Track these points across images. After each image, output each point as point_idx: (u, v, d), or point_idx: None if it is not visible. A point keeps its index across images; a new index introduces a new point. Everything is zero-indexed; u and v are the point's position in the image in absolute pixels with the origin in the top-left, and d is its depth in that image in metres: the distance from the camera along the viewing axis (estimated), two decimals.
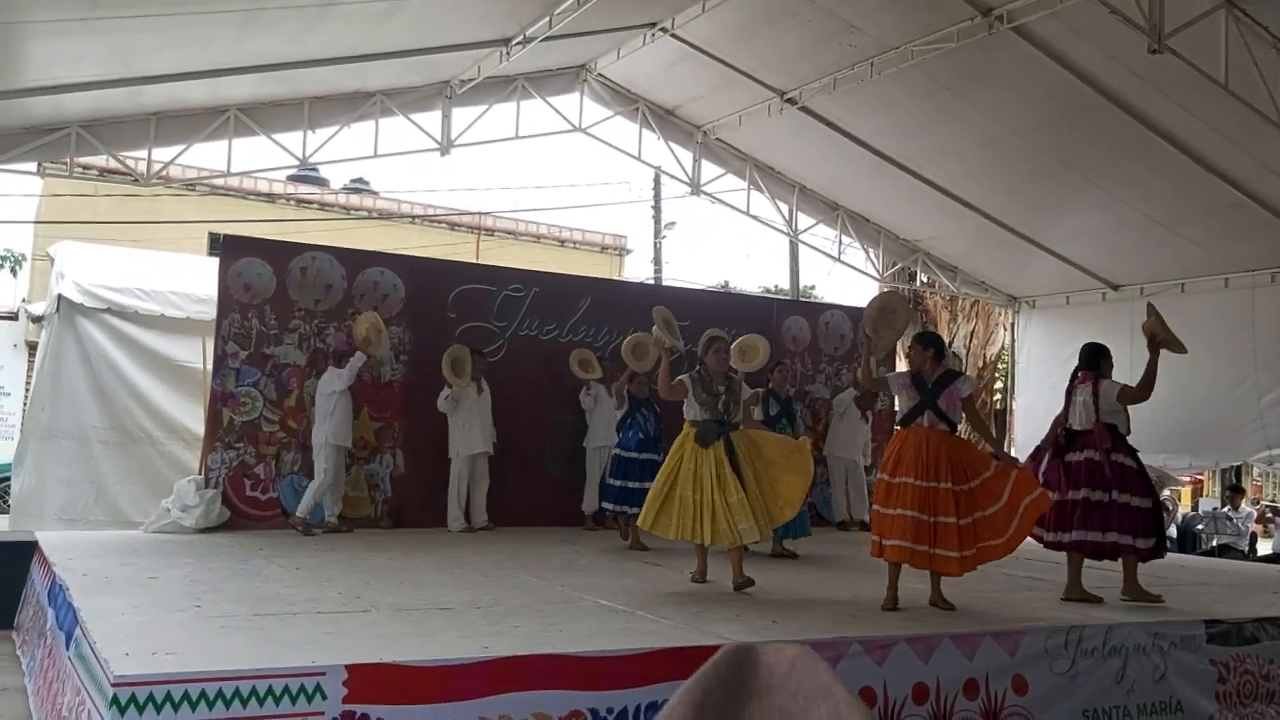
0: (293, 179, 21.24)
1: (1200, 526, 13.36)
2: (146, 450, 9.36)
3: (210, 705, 3.46)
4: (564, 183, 53.85)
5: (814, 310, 12.44)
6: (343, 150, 10.58)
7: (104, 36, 7.77)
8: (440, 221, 23.06)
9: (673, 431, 6.51)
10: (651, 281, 21.72)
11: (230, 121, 9.70)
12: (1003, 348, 15.28)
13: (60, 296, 9.31)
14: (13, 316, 15.86)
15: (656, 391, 7.67)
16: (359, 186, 23.66)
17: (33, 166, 10.01)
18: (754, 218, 12.56)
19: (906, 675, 4.64)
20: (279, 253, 9.32)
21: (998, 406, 15.96)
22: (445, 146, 10.62)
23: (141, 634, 4.16)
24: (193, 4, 7.51)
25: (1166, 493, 12.93)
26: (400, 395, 9.52)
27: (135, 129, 9.53)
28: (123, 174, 10.90)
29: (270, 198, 21.34)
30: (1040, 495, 5.71)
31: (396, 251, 11.49)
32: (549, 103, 11.13)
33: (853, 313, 11.63)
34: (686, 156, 11.99)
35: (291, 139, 10.08)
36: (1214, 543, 12.51)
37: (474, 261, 18.42)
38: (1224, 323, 10.99)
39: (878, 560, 5.80)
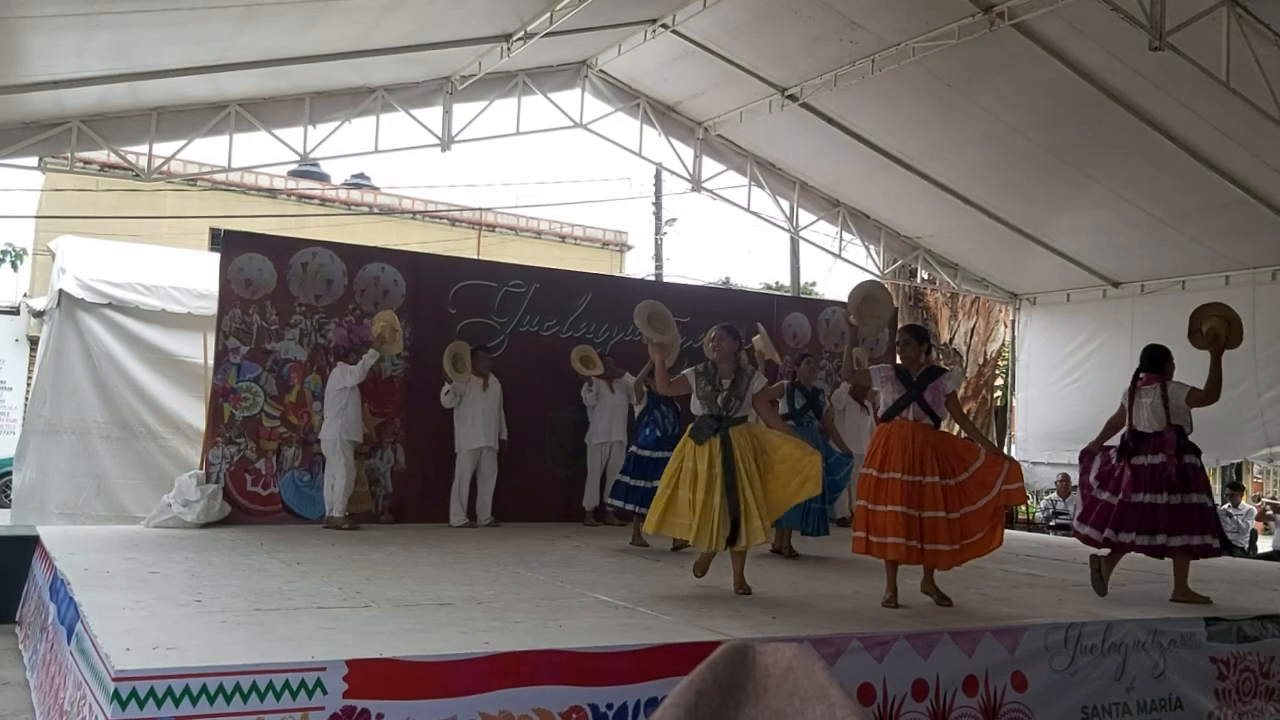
0: (293, 174, 21.24)
1: None
2: (148, 445, 9.36)
3: (211, 700, 3.47)
4: (565, 179, 53.76)
5: (814, 307, 12.44)
6: (344, 146, 10.65)
7: (105, 31, 7.77)
8: (441, 217, 23.06)
9: None
10: (652, 278, 21.72)
11: (231, 117, 9.71)
12: (1003, 345, 15.28)
13: (61, 291, 9.31)
14: (14, 311, 15.85)
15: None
16: (360, 182, 23.66)
17: (34, 161, 10.01)
18: (755, 214, 12.57)
19: (906, 672, 4.65)
20: (280, 248, 9.32)
21: (998, 403, 15.96)
22: (446, 142, 10.62)
23: (142, 629, 4.17)
24: None
25: None
26: (401, 391, 9.52)
27: (136, 124, 9.53)
28: (124, 169, 10.93)
29: (271, 193, 21.36)
30: (1019, 489, 5.67)
31: (397, 247, 11.50)
32: (550, 98, 11.13)
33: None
34: (687, 153, 11.99)
35: (292, 134, 10.09)
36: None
37: (475, 257, 18.43)
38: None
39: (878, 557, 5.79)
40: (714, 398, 5.82)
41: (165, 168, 10.40)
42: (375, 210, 22.42)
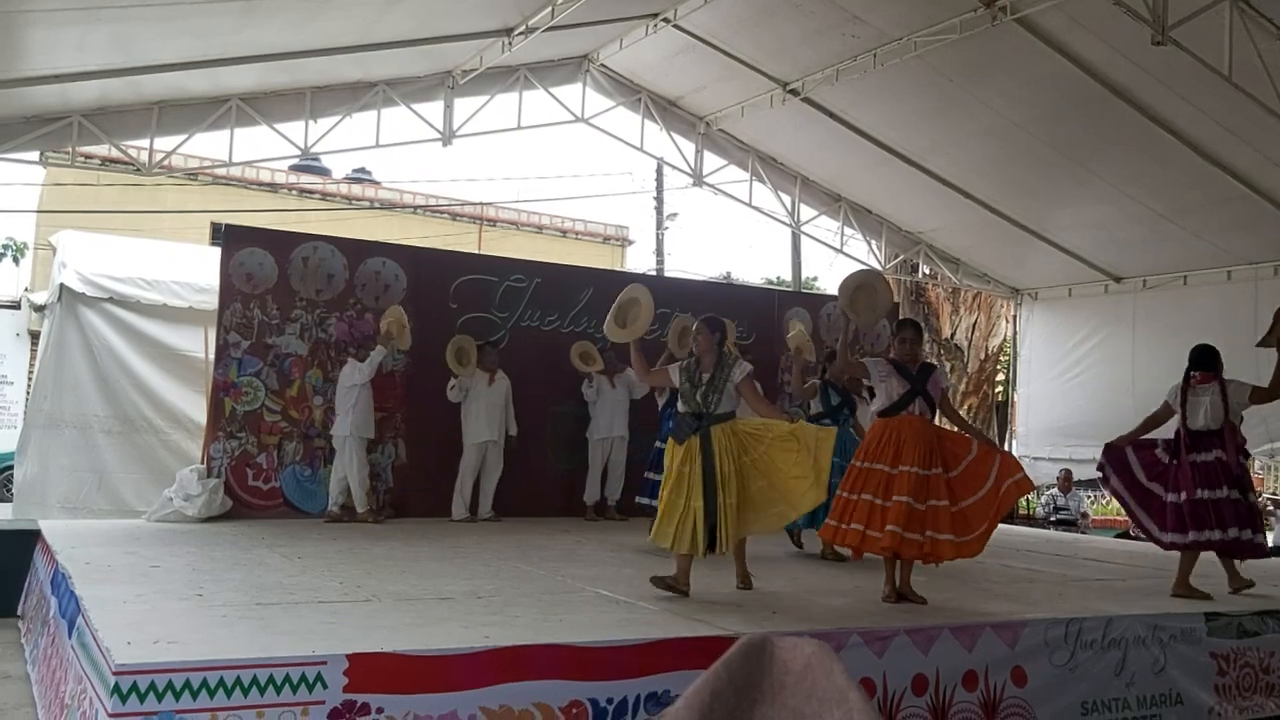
0: (295, 169, 21.24)
1: None
2: (149, 439, 9.37)
3: (211, 694, 3.47)
4: (566, 173, 53.81)
5: (816, 302, 12.41)
6: (345, 140, 10.59)
7: (106, 26, 7.76)
8: (442, 212, 23.05)
9: None
10: (653, 273, 21.71)
11: (232, 111, 9.70)
12: (1005, 340, 15.27)
13: (62, 286, 9.31)
14: (15, 305, 15.86)
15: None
16: (361, 176, 23.66)
17: (35, 155, 10.03)
18: (756, 209, 12.56)
19: (906, 666, 4.65)
20: (281, 243, 9.32)
21: (1000, 399, 15.96)
22: (447, 137, 10.62)
23: (143, 623, 4.18)
24: None
25: None
26: (402, 385, 9.52)
27: (137, 118, 9.54)
28: (125, 163, 10.90)
29: (272, 187, 21.35)
30: (1022, 479, 5.59)
31: (398, 242, 11.50)
32: (551, 93, 11.12)
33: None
34: (689, 147, 11.98)
35: (293, 129, 10.09)
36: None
37: (476, 252, 18.41)
38: (1226, 315, 10.96)
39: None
40: (693, 394, 5.54)
41: (166, 162, 10.41)
42: (376, 205, 22.42)
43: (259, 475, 8.94)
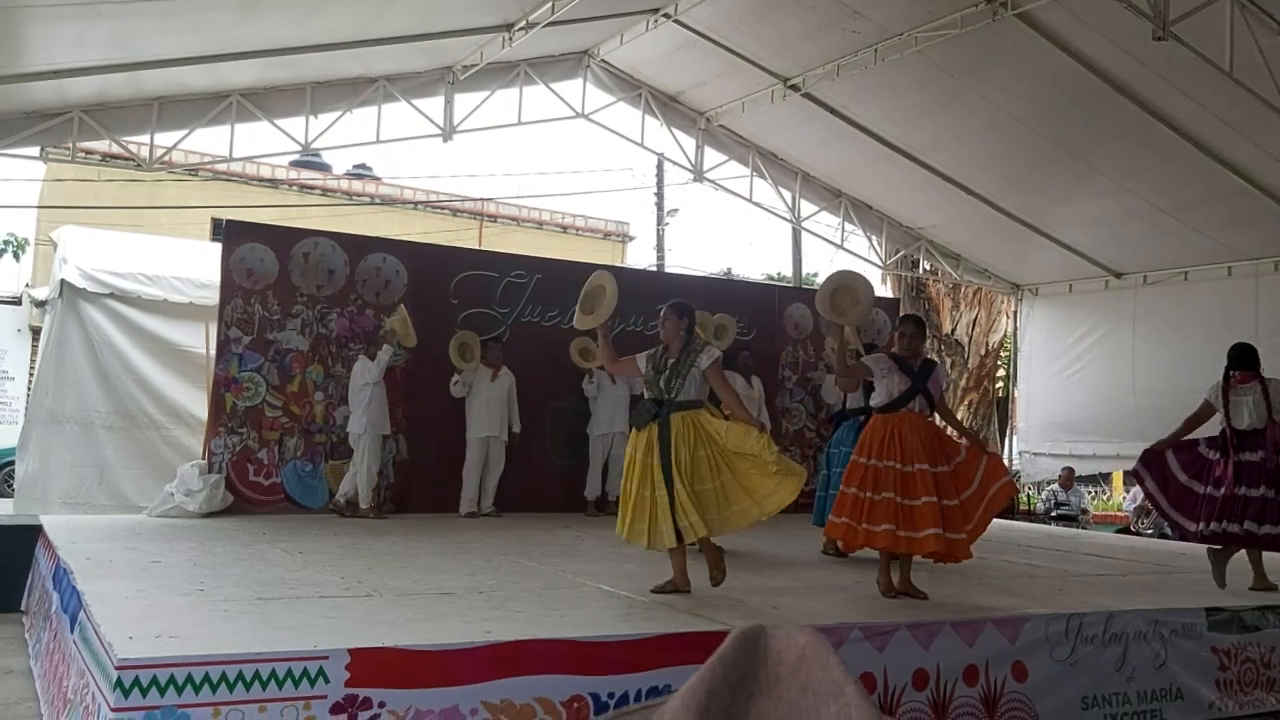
0: (295, 164, 21.22)
1: None
2: (150, 435, 9.38)
3: (214, 688, 3.47)
4: (567, 169, 53.80)
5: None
6: (345, 136, 10.58)
7: (106, 21, 7.76)
8: (443, 207, 23.03)
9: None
10: (654, 268, 21.70)
11: (232, 107, 9.70)
12: (1005, 336, 15.25)
13: (63, 281, 9.32)
14: (16, 301, 15.87)
15: (730, 374, 7.41)
16: (361, 172, 23.65)
17: (35, 151, 10.00)
18: (757, 205, 12.55)
19: (907, 661, 4.65)
20: (282, 238, 9.32)
21: (1000, 394, 15.96)
22: (448, 132, 10.61)
23: (145, 617, 4.18)
24: None
25: None
26: (403, 381, 9.53)
27: (137, 114, 9.53)
28: (125, 159, 10.89)
29: (273, 183, 21.34)
30: (1008, 482, 5.60)
31: (399, 237, 11.50)
32: (552, 89, 11.11)
33: None
34: (689, 143, 11.97)
35: (294, 124, 10.08)
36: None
37: (476, 248, 18.41)
38: (1227, 311, 10.97)
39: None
40: (656, 380, 5.33)
41: (167, 158, 10.40)
42: (377, 200, 22.40)
43: (260, 471, 8.95)
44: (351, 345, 9.22)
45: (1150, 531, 12.33)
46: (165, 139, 9.89)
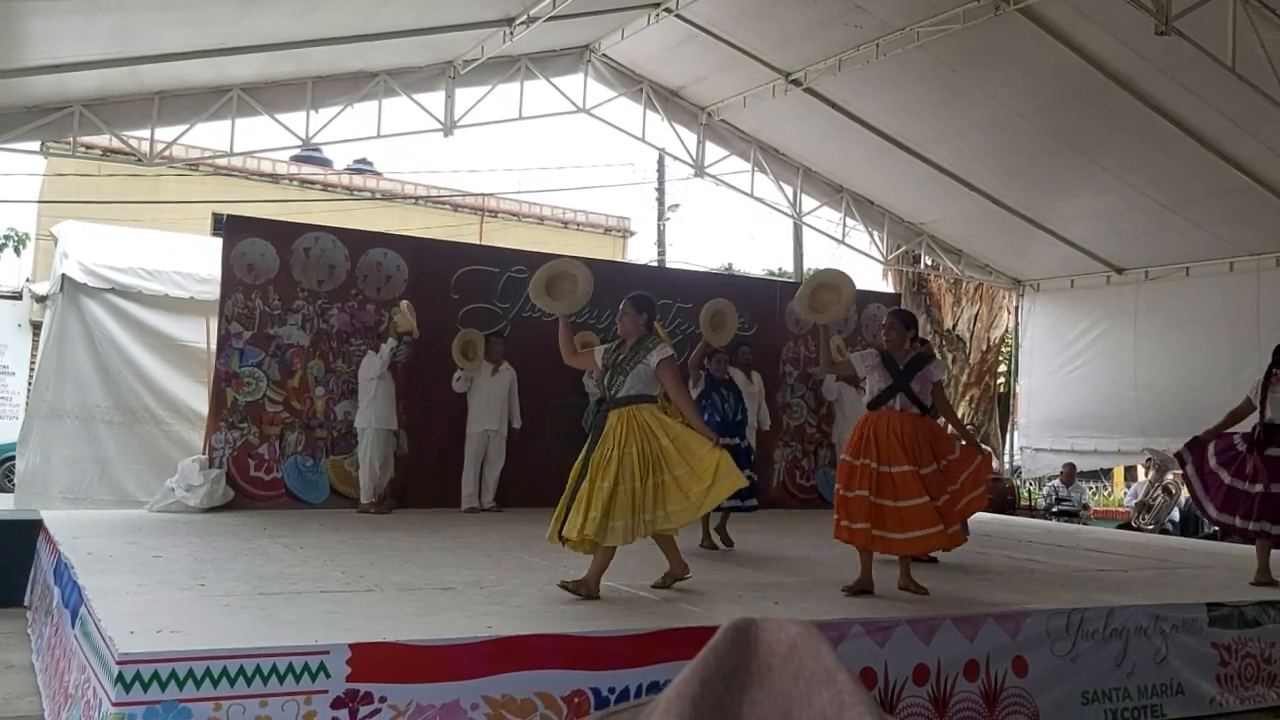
0: (296, 159, 21.21)
1: None
2: (151, 430, 9.38)
3: (215, 683, 3.48)
4: (567, 164, 53.61)
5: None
6: (346, 130, 10.58)
7: (107, 15, 7.75)
8: (444, 202, 23.03)
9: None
10: (655, 264, 21.69)
11: (233, 101, 9.69)
12: (1006, 331, 15.26)
13: (64, 276, 9.32)
14: (16, 296, 15.87)
15: (728, 371, 7.26)
16: (362, 167, 23.64)
17: (36, 146, 10.00)
18: (758, 200, 12.55)
19: (907, 656, 4.66)
20: (282, 233, 9.31)
21: (1001, 390, 15.96)
22: (449, 127, 10.60)
23: (146, 612, 4.18)
24: None
25: (1170, 476, 12.93)
26: (404, 376, 9.52)
27: (138, 108, 9.52)
28: (126, 154, 10.91)
29: (273, 178, 21.34)
30: (980, 494, 5.48)
31: (400, 232, 11.48)
32: (553, 83, 11.09)
33: (858, 296, 11.61)
34: (690, 138, 11.96)
35: (294, 119, 10.07)
36: (1216, 527, 12.52)
37: (477, 243, 18.40)
38: (1228, 307, 10.97)
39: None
40: (604, 376, 5.15)
41: (167, 152, 10.40)
42: (378, 195, 22.39)
43: (261, 466, 8.95)
44: (352, 340, 9.21)
45: (1151, 527, 12.34)
46: (166, 134, 9.88)
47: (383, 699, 3.67)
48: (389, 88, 10.22)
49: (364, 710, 3.64)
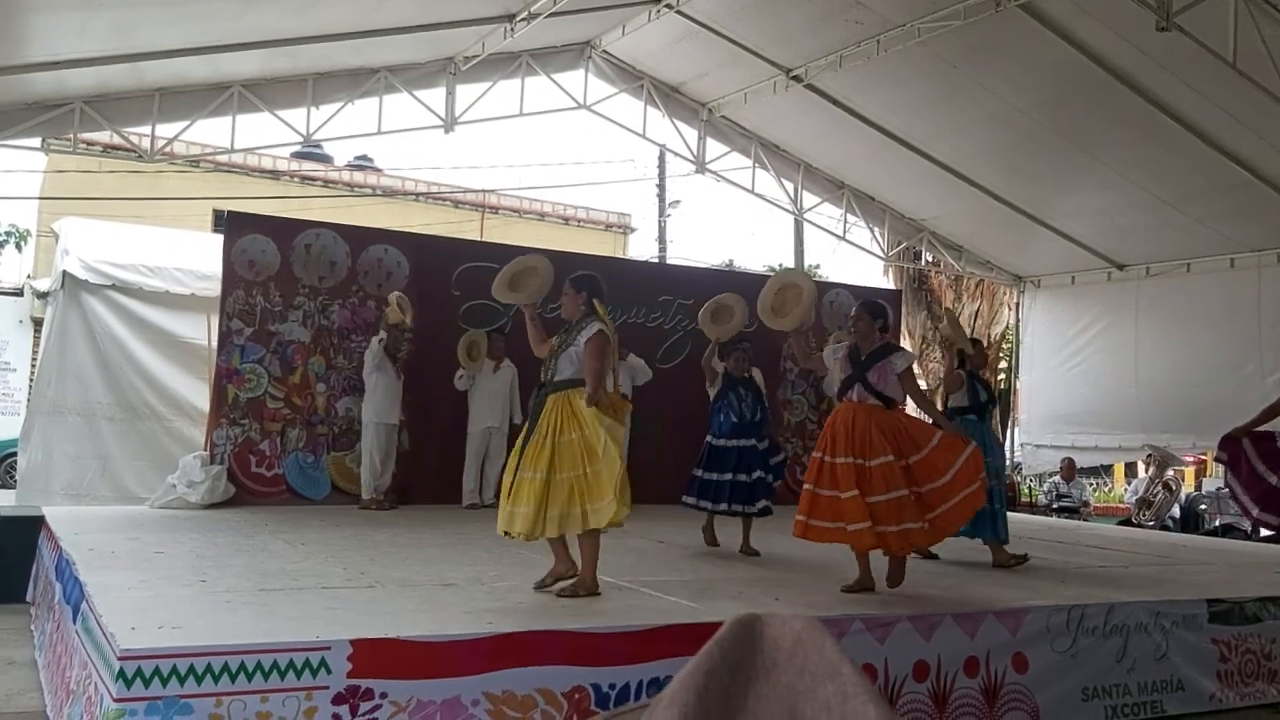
0: (297, 156, 21.20)
1: (1204, 506, 13.38)
2: (152, 426, 9.39)
3: (216, 679, 3.48)
4: (568, 161, 53.70)
5: (819, 290, 12.40)
6: (347, 127, 10.58)
7: (107, 11, 7.75)
8: (444, 199, 23.02)
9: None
10: (656, 260, 21.68)
11: (234, 98, 9.68)
12: (1007, 327, 15.27)
13: (65, 273, 9.32)
14: (18, 292, 15.89)
15: (749, 368, 7.13)
16: (363, 164, 23.61)
17: (36, 142, 10.00)
18: (759, 196, 12.53)
19: (908, 653, 4.66)
20: (283, 229, 9.32)
21: (1002, 386, 15.96)
22: (449, 123, 10.59)
23: (147, 608, 4.19)
24: None
25: (1170, 472, 12.94)
26: (405, 373, 9.52)
27: (139, 105, 9.52)
28: (126, 150, 10.89)
29: (274, 174, 21.34)
30: (976, 491, 5.29)
31: (401, 229, 11.50)
32: (553, 80, 11.08)
33: (858, 292, 11.59)
34: (691, 134, 11.95)
35: (295, 115, 10.06)
36: (1217, 522, 12.52)
37: (478, 239, 18.39)
38: (1229, 303, 10.97)
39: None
40: (547, 361, 4.98)
41: (168, 149, 10.40)
42: (378, 192, 22.39)
43: (262, 462, 8.95)
44: (353, 337, 9.22)
45: (1152, 523, 12.34)
46: (167, 130, 9.88)
47: (384, 695, 3.68)
48: (390, 84, 10.21)
49: (365, 706, 3.65)
